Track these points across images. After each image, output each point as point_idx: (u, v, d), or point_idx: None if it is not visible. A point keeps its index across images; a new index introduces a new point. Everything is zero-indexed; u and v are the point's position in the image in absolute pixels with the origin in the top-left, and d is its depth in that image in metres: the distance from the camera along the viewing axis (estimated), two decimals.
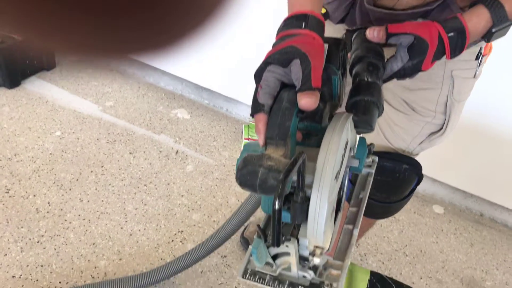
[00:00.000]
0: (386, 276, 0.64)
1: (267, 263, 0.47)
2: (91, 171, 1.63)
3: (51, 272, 1.26)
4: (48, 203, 1.47)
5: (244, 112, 2.09)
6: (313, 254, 0.44)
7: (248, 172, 0.41)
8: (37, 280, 1.23)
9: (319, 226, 0.42)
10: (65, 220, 1.42)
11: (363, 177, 0.63)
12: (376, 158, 0.65)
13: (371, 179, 0.62)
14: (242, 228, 1.48)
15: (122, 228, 1.43)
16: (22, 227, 1.37)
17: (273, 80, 0.49)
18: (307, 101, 0.46)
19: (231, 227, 1.13)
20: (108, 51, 0.16)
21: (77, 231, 1.39)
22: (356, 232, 0.55)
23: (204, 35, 0.17)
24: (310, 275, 0.46)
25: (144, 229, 1.44)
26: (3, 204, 1.43)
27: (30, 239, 1.34)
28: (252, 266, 0.48)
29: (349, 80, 0.61)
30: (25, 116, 1.83)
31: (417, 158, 0.98)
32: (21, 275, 1.24)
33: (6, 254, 1.28)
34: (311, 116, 0.50)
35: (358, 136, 0.56)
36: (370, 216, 1.09)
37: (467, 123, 1.59)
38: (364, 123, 0.53)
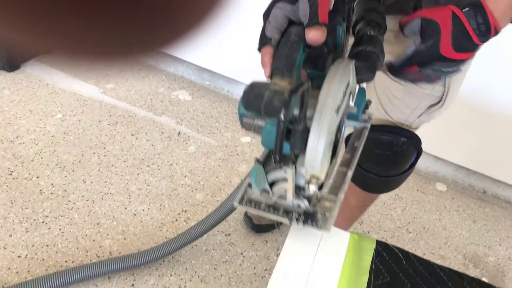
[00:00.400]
0: (392, 245, 0.64)
1: (264, 191, 0.48)
2: (94, 153, 1.62)
3: (56, 252, 1.27)
4: (52, 184, 1.47)
5: None
6: (309, 183, 0.45)
7: (254, 95, 0.40)
8: (43, 260, 1.24)
9: (317, 154, 0.43)
10: (69, 201, 1.42)
11: (358, 130, 0.64)
12: (372, 115, 0.65)
13: (366, 133, 0.62)
14: None
15: (126, 208, 1.44)
16: (26, 208, 1.37)
17: (281, 16, 0.50)
18: (315, 35, 0.46)
19: (228, 207, 1.14)
20: (108, 54, 0.16)
21: (81, 212, 1.39)
22: (350, 173, 0.55)
23: (205, 28, 0.17)
24: (304, 204, 0.47)
25: (148, 209, 1.45)
26: (7, 185, 1.43)
27: (34, 219, 1.34)
28: (248, 195, 0.50)
29: (350, 42, 0.60)
30: (26, 99, 1.82)
31: (417, 132, 0.98)
32: (27, 255, 1.25)
33: (11, 235, 1.29)
34: (314, 63, 0.51)
35: (358, 86, 0.55)
36: (370, 191, 1.09)
37: (470, 99, 1.58)
38: (365, 70, 0.53)
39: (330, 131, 0.43)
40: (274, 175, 0.47)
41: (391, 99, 0.93)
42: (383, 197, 1.67)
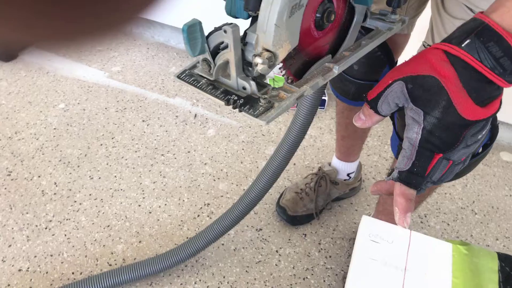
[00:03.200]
0: None
1: (204, 62, 0.40)
2: (101, 144, 1.43)
3: (62, 262, 1.09)
4: (55, 183, 1.29)
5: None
6: (257, 56, 0.37)
7: None
8: (46, 273, 1.07)
9: (272, 15, 0.35)
10: (75, 201, 1.24)
11: (378, 31, 0.50)
12: (406, 19, 0.51)
13: (386, 36, 0.50)
14: (278, 196, 1.26)
15: (139, 205, 1.24)
16: (27, 213, 1.20)
17: None
18: None
19: (257, 191, 0.92)
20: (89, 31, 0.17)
21: (88, 213, 1.21)
22: (335, 70, 0.44)
23: None
24: (251, 86, 0.39)
25: (165, 204, 1.25)
26: (5, 188, 1.26)
27: (36, 225, 1.17)
28: (194, 70, 0.44)
29: None
30: (25, 90, 1.64)
31: None
32: (28, 268, 1.07)
33: (10, 245, 1.12)
34: None
35: None
36: None
37: None
38: None
39: None
40: (215, 37, 0.38)
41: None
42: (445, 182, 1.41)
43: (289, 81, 0.45)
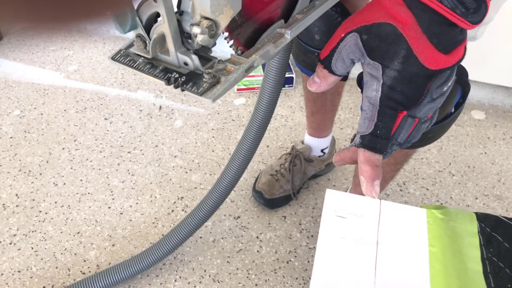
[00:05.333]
0: (504, 216, 0.38)
1: (138, 38, 0.36)
2: (63, 148, 1.35)
3: (31, 277, 1.03)
4: (16, 195, 1.21)
5: (230, 48, 1.77)
6: (195, 25, 0.33)
7: None
8: None
9: None
10: (40, 211, 1.17)
11: None
12: None
13: None
14: (253, 181, 1.22)
15: (109, 207, 1.18)
16: None
17: None
18: None
19: (229, 178, 0.87)
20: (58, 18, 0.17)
21: (56, 222, 1.14)
22: (287, 36, 0.39)
23: None
24: (193, 61, 0.35)
25: (136, 203, 1.19)
26: None
27: (0, 241, 1.10)
28: (130, 50, 0.38)
29: None
30: None
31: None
32: None
33: None
34: None
35: None
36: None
37: None
38: None
39: None
40: (145, 8, 0.33)
41: None
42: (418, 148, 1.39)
43: (239, 52, 0.41)
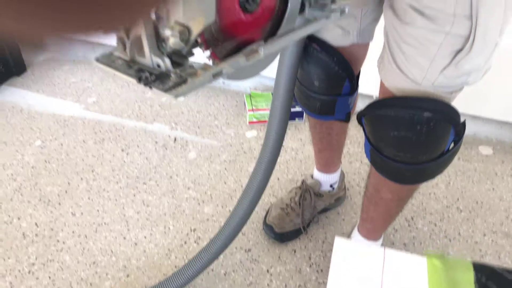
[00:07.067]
0: (498, 267, 0.41)
1: (120, 41, 0.40)
2: (81, 179, 1.41)
3: None
4: (36, 224, 1.26)
5: (243, 83, 1.84)
6: (170, 30, 0.36)
7: None
8: None
9: None
10: (58, 240, 1.21)
11: (316, 20, 0.49)
12: (346, 8, 0.51)
13: (322, 23, 0.49)
14: (264, 214, 1.25)
15: (124, 238, 1.22)
16: (9, 258, 1.17)
17: None
18: None
19: (241, 213, 0.91)
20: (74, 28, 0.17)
21: (73, 252, 1.18)
22: (261, 51, 0.44)
23: None
24: (165, 63, 0.38)
25: (151, 234, 1.23)
26: None
27: (19, 270, 1.14)
28: (114, 53, 0.42)
29: None
30: None
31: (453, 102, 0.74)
32: None
33: None
34: None
35: None
36: (401, 182, 0.84)
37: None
38: None
39: None
40: None
41: (401, 46, 0.68)
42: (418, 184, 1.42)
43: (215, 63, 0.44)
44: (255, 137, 1.58)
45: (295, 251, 1.18)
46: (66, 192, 1.36)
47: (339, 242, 0.44)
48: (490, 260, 1.17)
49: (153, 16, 0.38)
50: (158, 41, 0.38)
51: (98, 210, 1.30)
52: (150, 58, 0.39)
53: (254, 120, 1.63)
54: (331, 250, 1.17)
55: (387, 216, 1.00)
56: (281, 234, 1.18)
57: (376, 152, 0.79)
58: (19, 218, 1.27)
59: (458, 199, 1.34)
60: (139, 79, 0.39)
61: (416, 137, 0.71)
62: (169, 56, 0.39)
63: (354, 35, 0.84)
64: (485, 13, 0.60)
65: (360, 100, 1.40)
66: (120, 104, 1.75)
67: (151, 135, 1.59)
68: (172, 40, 0.36)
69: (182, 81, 0.38)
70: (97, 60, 0.43)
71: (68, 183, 1.39)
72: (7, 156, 1.50)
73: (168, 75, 0.39)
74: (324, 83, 0.88)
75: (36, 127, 1.63)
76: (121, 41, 0.40)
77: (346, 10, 0.51)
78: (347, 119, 1.00)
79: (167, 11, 0.36)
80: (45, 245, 1.20)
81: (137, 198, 1.34)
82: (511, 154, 1.51)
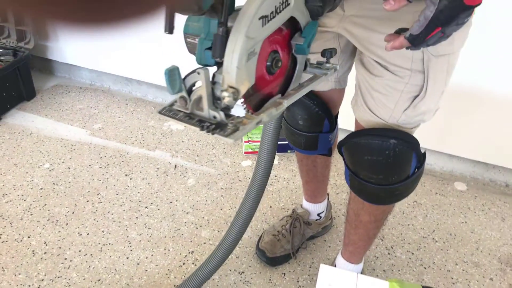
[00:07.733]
0: None
1: (181, 98, 0.49)
2: (87, 201, 1.51)
3: None
4: (45, 242, 1.35)
5: (241, 115, 1.98)
6: (224, 91, 0.46)
7: None
8: None
9: (234, 59, 0.45)
10: (65, 258, 1.31)
11: (316, 76, 0.62)
12: (337, 66, 0.63)
13: (322, 80, 0.61)
14: (257, 239, 1.37)
15: (127, 258, 1.32)
16: (19, 274, 1.26)
17: None
18: None
19: (232, 237, 1.04)
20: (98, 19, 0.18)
21: (79, 269, 1.28)
22: (284, 103, 0.55)
23: None
24: (220, 115, 0.48)
25: (152, 255, 1.33)
26: None
27: (29, 286, 1.23)
28: (173, 107, 0.52)
29: None
30: (10, 153, 1.72)
31: (415, 133, 0.91)
32: None
33: None
34: None
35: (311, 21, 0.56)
36: (376, 202, 0.99)
37: (472, 86, 1.48)
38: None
39: (249, 37, 0.45)
40: (190, 78, 0.48)
41: (372, 93, 0.87)
42: (401, 205, 1.55)
43: (250, 113, 0.56)
44: (249, 167, 1.71)
45: (284, 274, 1.29)
46: (73, 213, 1.46)
47: (324, 268, 0.56)
48: (460, 287, 1.29)
49: (211, 81, 0.50)
50: (214, 99, 0.49)
51: (103, 231, 1.40)
52: (208, 112, 0.48)
53: (250, 150, 1.76)
54: (317, 274, 1.28)
55: (367, 238, 1.13)
56: (272, 259, 1.29)
57: (354, 176, 0.94)
58: (29, 237, 1.37)
59: (434, 231, 1.47)
60: (202, 127, 0.48)
61: (385, 160, 0.87)
62: (222, 110, 0.50)
63: (332, 81, 1.00)
64: (432, 69, 0.80)
65: (343, 134, 1.54)
66: (124, 131, 1.87)
67: (153, 161, 1.71)
68: (228, 99, 0.47)
69: (236, 129, 0.49)
70: (160, 112, 0.52)
71: (75, 205, 1.50)
72: (18, 177, 1.60)
73: (224, 124, 0.48)
74: (307, 122, 1.04)
75: (45, 151, 1.73)
76: (183, 99, 0.50)
77: (338, 67, 0.66)
78: (329, 153, 1.14)
79: (223, 78, 0.48)
80: (53, 262, 1.29)
81: (140, 220, 1.45)
82: (483, 191, 1.65)
